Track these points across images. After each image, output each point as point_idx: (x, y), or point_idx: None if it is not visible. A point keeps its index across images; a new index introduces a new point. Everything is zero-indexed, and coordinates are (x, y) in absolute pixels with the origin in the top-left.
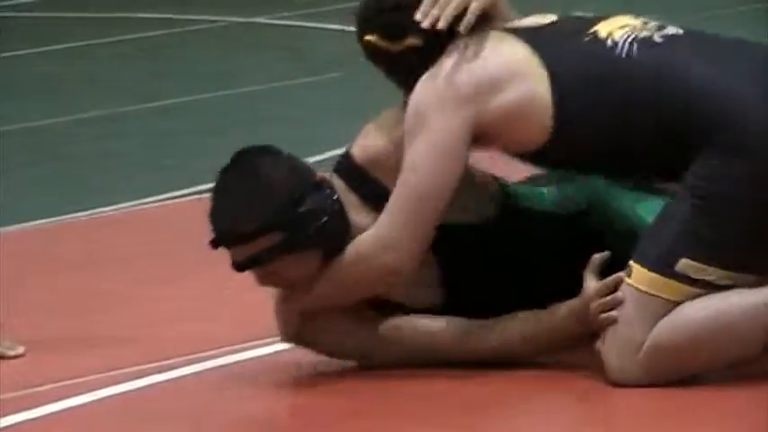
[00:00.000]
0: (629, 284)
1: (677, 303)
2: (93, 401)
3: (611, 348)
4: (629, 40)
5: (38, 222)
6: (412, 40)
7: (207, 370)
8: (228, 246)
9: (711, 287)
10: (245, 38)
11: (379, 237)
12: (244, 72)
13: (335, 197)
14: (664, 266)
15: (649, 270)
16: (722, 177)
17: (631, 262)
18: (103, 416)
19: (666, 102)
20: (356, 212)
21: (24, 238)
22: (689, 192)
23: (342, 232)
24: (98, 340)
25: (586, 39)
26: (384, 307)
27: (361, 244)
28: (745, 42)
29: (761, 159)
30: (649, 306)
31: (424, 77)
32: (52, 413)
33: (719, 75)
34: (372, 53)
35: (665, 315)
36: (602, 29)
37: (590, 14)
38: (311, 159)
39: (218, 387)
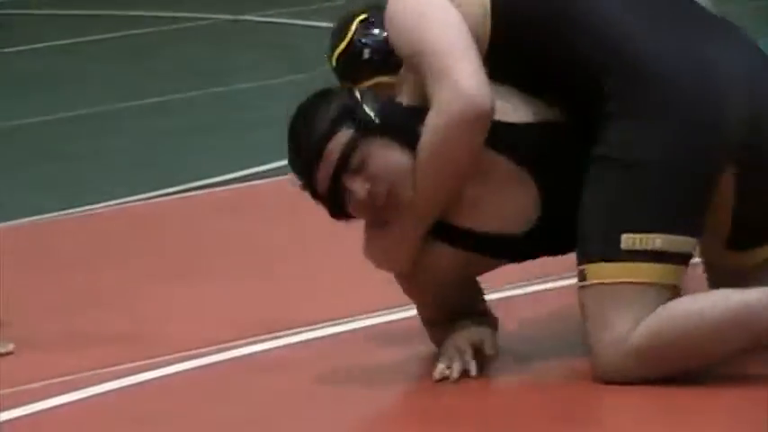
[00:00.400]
0: (589, 286)
1: (647, 285)
2: (85, 399)
3: (597, 350)
4: None
5: (33, 219)
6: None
7: (200, 368)
8: (313, 164)
9: (670, 257)
10: (235, 35)
11: (443, 97)
12: (234, 69)
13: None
14: (610, 251)
15: (601, 261)
16: (638, 143)
17: (580, 267)
18: (95, 414)
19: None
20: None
21: (19, 236)
22: (605, 167)
23: (402, 113)
24: (91, 338)
25: None
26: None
27: (432, 116)
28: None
29: (675, 121)
30: (619, 295)
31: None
32: (43, 410)
33: (640, 27)
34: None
35: (638, 301)
36: None
37: None
38: None
39: (212, 386)
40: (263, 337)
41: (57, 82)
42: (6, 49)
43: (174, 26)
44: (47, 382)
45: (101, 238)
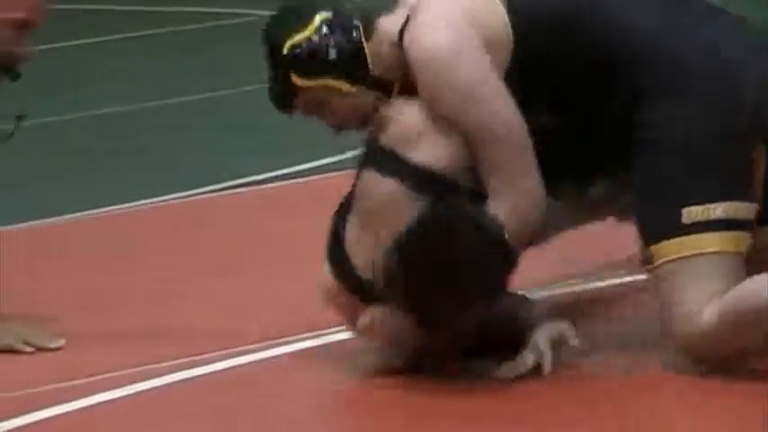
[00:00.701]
0: (658, 266)
1: (713, 254)
2: (129, 396)
3: (673, 329)
4: None
5: (70, 216)
6: (319, 17)
7: (241, 366)
8: None
9: (731, 225)
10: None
11: (519, 205)
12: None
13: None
14: (673, 227)
15: (664, 239)
16: (678, 122)
17: (649, 249)
18: (138, 410)
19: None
20: None
21: (56, 233)
22: (651, 150)
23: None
24: (133, 335)
25: None
26: None
27: (510, 221)
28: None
29: (709, 99)
30: (688, 269)
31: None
32: (88, 406)
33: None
34: (297, 58)
35: (707, 273)
36: None
37: None
38: (339, 157)
39: (253, 383)
40: (304, 335)
41: (87, 79)
42: (50, 45)
43: (215, 23)
44: (92, 378)
45: (136, 236)
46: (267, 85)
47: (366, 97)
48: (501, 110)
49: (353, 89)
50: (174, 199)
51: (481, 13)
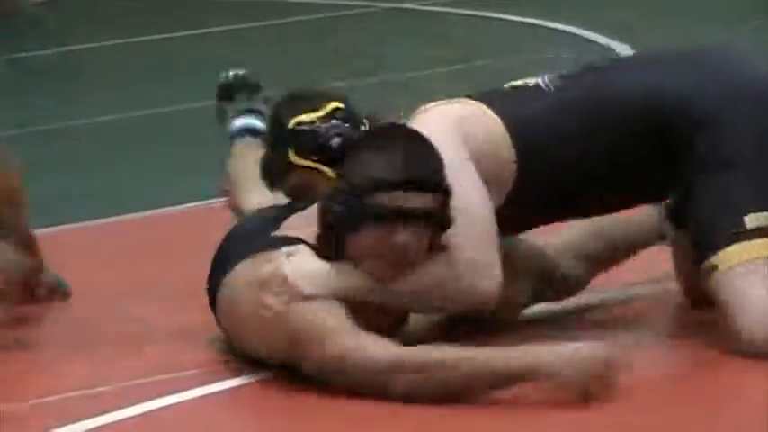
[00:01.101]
0: (719, 274)
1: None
2: (221, 392)
3: (743, 327)
4: (547, 79)
5: (186, 206)
6: (333, 104)
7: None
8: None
9: None
10: (393, 23)
11: (474, 260)
12: (389, 58)
13: None
14: (738, 234)
15: (728, 246)
16: (725, 143)
17: (709, 260)
18: (235, 405)
19: (614, 107)
20: None
21: (170, 222)
22: (699, 169)
23: None
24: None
25: (506, 90)
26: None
27: (451, 281)
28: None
29: (748, 118)
30: (753, 272)
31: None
32: (193, 398)
33: (641, 71)
34: (300, 135)
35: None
36: (514, 83)
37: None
38: None
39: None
40: None
41: (211, 69)
42: (171, 34)
43: (337, 13)
44: (177, 374)
45: None
46: (380, 79)
47: None
48: (468, 190)
49: (332, 173)
50: None
51: (470, 122)
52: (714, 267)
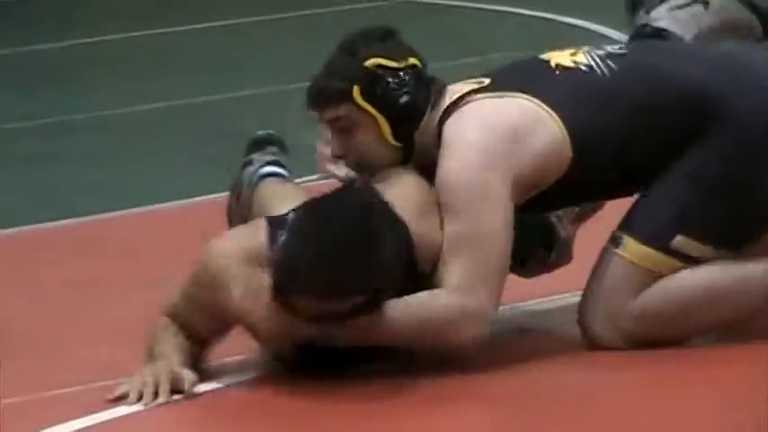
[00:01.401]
0: (620, 255)
1: (661, 276)
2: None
3: (595, 317)
4: (599, 59)
5: (208, 197)
6: (413, 60)
7: None
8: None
9: (689, 259)
10: (406, 17)
11: (454, 302)
12: None
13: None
14: (661, 242)
15: (646, 245)
16: (716, 160)
17: (623, 234)
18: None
19: (663, 103)
20: None
21: (176, 215)
22: (684, 174)
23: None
24: None
25: (558, 72)
26: None
27: (437, 304)
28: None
29: (744, 138)
30: (639, 277)
31: (446, 153)
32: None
33: (692, 67)
34: (374, 78)
35: (648, 286)
36: (560, 60)
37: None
38: None
39: None
40: None
41: (226, 61)
42: (176, 28)
43: (354, 6)
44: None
45: None
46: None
47: (390, 152)
48: (495, 223)
49: (390, 139)
50: (310, 181)
51: (527, 129)
52: (620, 243)
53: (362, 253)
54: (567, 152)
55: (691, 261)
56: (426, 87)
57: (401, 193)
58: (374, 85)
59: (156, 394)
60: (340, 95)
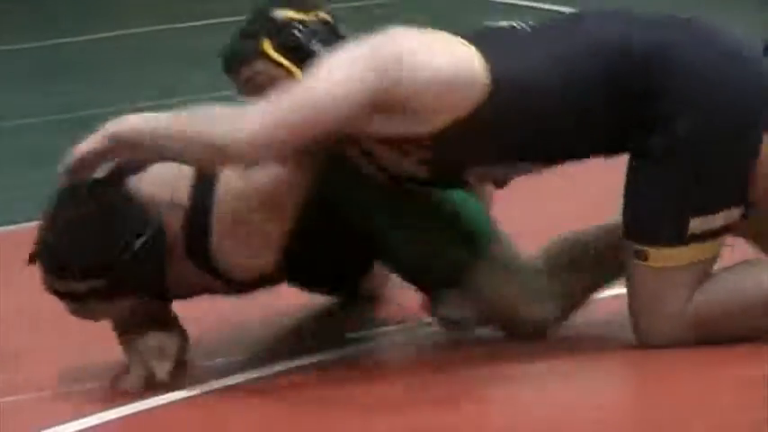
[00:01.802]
0: (648, 267)
1: (702, 262)
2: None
3: (651, 322)
4: (526, 24)
5: None
6: (323, 15)
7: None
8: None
9: (724, 231)
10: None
11: (246, 111)
12: None
13: (161, 236)
14: (681, 237)
15: (670, 247)
16: (688, 132)
17: (643, 247)
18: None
19: (586, 56)
20: None
21: None
22: (661, 158)
23: (157, 280)
24: None
25: (484, 28)
26: None
27: (239, 113)
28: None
29: (713, 106)
30: (678, 275)
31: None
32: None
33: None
34: (285, 30)
35: (692, 278)
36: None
37: None
38: None
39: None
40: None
41: None
42: (198, 23)
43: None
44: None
45: None
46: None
47: None
48: (333, 91)
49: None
50: None
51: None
52: (645, 257)
53: (91, 236)
54: (483, 79)
55: (723, 232)
56: (337, 37)
57: (222, 198)
58: (285, 37)
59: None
60: (253, 52)
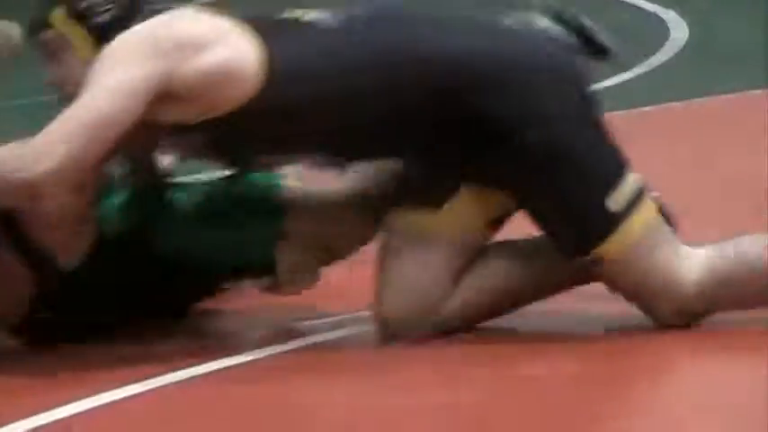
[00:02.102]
0: (609, 261)
1: (649, 224)
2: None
3: (660, 311)
4: (328, 16)
5: None
6: None
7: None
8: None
9: (642, 189)
10: None
11: (34, 145)
12: None
13: None
14: (609, 223)
15: (610, 236)
16: (538, 138)
17: (588, 257)
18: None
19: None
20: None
21: None
22: (532, 164)
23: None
24: None
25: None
26: None
27: (9, 149)
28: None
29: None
30: (643, 251)
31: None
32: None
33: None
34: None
35: (661, 240)
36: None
37: None
38: None
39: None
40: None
41: None
42: None
43: None
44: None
45: None
46: None
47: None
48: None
49: (90, 57)
50: None
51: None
52: (600, 259)
53: None
54: (259, 71)
55: (642, 191)
56: (134, 11)
57: None
58: (76, 4)
59: None
60: (43, 19)
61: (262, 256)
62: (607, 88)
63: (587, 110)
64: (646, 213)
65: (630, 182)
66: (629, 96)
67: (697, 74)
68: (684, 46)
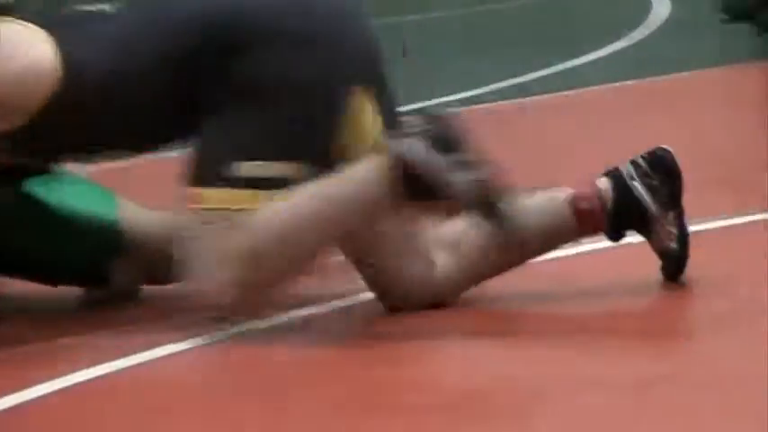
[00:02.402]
0: (197, 210)
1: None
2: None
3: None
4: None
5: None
6: None
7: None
8: None
9: (276, 184)
10: None
11: None
12: None
13: None
14: (230, 179)
15: (218, 187)
16: (258, 75)
17: (191, 189)
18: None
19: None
20: None
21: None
22: (222, 105)
23: None
24: None
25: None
26: None
27: None
28: None
29: (290, 48)
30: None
31: None
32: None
33: None
34: None
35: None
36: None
37: None
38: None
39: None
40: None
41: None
42: None
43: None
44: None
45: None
46: None
47: None
48: None
49: None
50: None
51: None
52: (199, 199)
53: None
54: (54, 69)
55: (273, 183)
56: None
57: None
58: None
59: None
60: None
61: (93, 270)
62: (590, 62)
63: (322, 87)
64: (242, 199)
65: (275, 168)
66: (612, 70)
67: (679, 48)
68: (667, 20)
